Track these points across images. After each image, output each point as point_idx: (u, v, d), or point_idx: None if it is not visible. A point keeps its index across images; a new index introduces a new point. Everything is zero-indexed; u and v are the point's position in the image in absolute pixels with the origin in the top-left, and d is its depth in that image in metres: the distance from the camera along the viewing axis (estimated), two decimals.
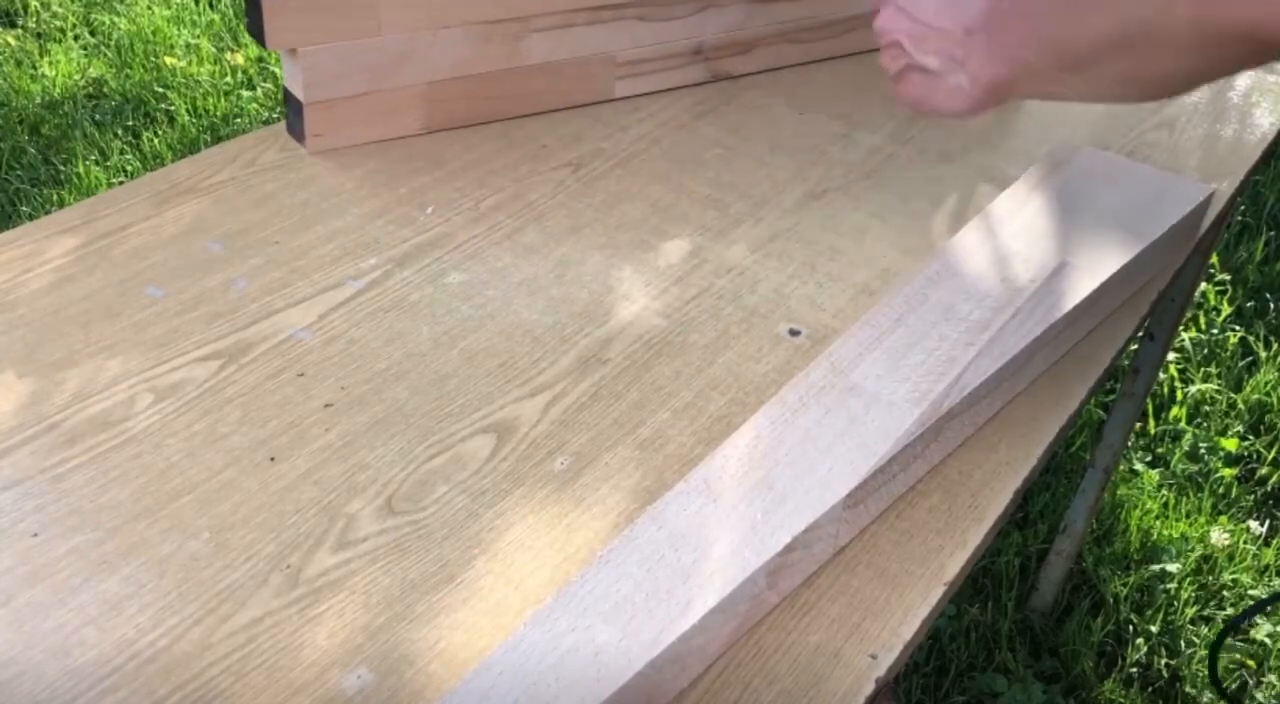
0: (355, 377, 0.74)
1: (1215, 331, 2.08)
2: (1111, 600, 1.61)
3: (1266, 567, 1.69)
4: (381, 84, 0.94)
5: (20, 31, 2.89)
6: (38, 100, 2.60)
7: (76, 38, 2.87)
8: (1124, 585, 1.63)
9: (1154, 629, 1.58)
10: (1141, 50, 0.54)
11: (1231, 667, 1.54)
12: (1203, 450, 1.86)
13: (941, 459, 0.70)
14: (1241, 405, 1.94)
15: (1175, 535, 1.71)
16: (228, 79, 2.70)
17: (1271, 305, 2.15)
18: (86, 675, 0.55)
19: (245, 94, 2.65)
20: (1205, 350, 2.04)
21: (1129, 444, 1.82)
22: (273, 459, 0.67)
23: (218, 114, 2.58)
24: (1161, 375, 1.93)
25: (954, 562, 0.64)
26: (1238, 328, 2.08)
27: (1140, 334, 1.25)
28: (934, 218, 0.92)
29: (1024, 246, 0.78)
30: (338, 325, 0.77)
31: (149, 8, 2.96)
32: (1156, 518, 1.75)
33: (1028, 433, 0.73)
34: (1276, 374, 1.99)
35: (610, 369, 0.76)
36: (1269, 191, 2.40)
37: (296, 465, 0.67)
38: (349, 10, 0.90)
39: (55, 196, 2.30)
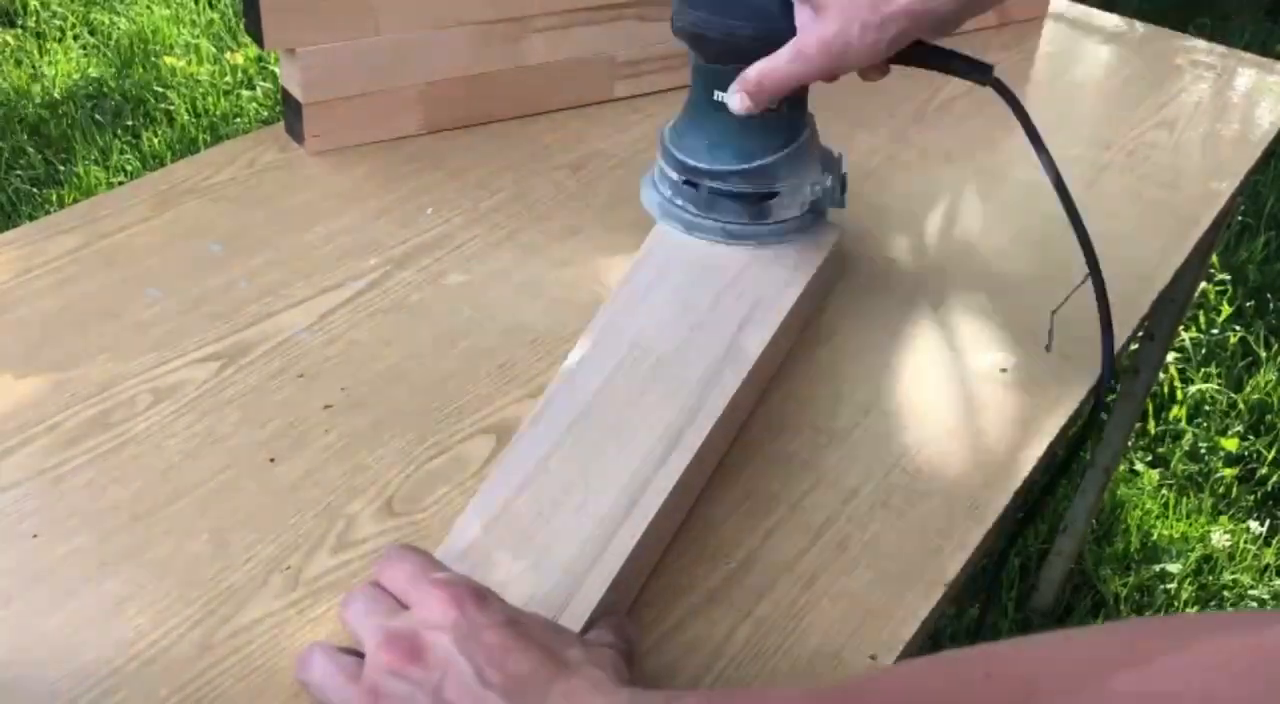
0: (355, 377, 0.73)
1: (1215, 331, 2.08)
2: (1112, 600, 1.61)
3: (1267, 567, 1.69)
4: (380, 84, 0.94)
5: (20, 31, 2.89)
6: (37, 100, 2.60)
7: (76, 37, 2.87)
8: (1124, 585, 1.63)
9: None
10: None
11: None
12: (1203, 450, 1.86)
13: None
14: (1242, 405, 1.94)
15: (1175, 535, 1.71)
16: (227, 78, 2.70)
17: (1272, 305, 2.15)
18: (87, 676, 0.55)
19: (245, 93, 2.65)
20: (1205, 350, 2.04)
21: (1129, 444, 1.82)
22: (272, 460, 0.67)
23: (217, 114, 2.58)
24: (1161, 375, 1.93)
25: (954, 562, 0.64)
26: (1238, 328, 2.08)
27: (1140, 334, 1.25)
28: (934, 218, 0.92)
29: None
30: (338, 326, 0.77)
31: (148, 7, 2.96)
32: (1157, 518, 1.75)
33: (1028, 433, 0.73)
34: (1277, 374, 1.99)
35: None
36: (1269, 192, 2.40)
37: (296, 466, 0.67)
38: (347, 10, 0.89)
39: (55, 197, 2.30)
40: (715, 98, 0.73)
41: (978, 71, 0.73)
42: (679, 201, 0.77)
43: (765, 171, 0.75)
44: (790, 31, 0.69)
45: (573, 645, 0.50)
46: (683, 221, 0.77)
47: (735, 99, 0.71)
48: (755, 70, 0.70)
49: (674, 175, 0.77)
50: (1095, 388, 0.76)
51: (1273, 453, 1.85)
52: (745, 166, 0.75)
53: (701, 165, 0.75)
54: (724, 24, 0.70)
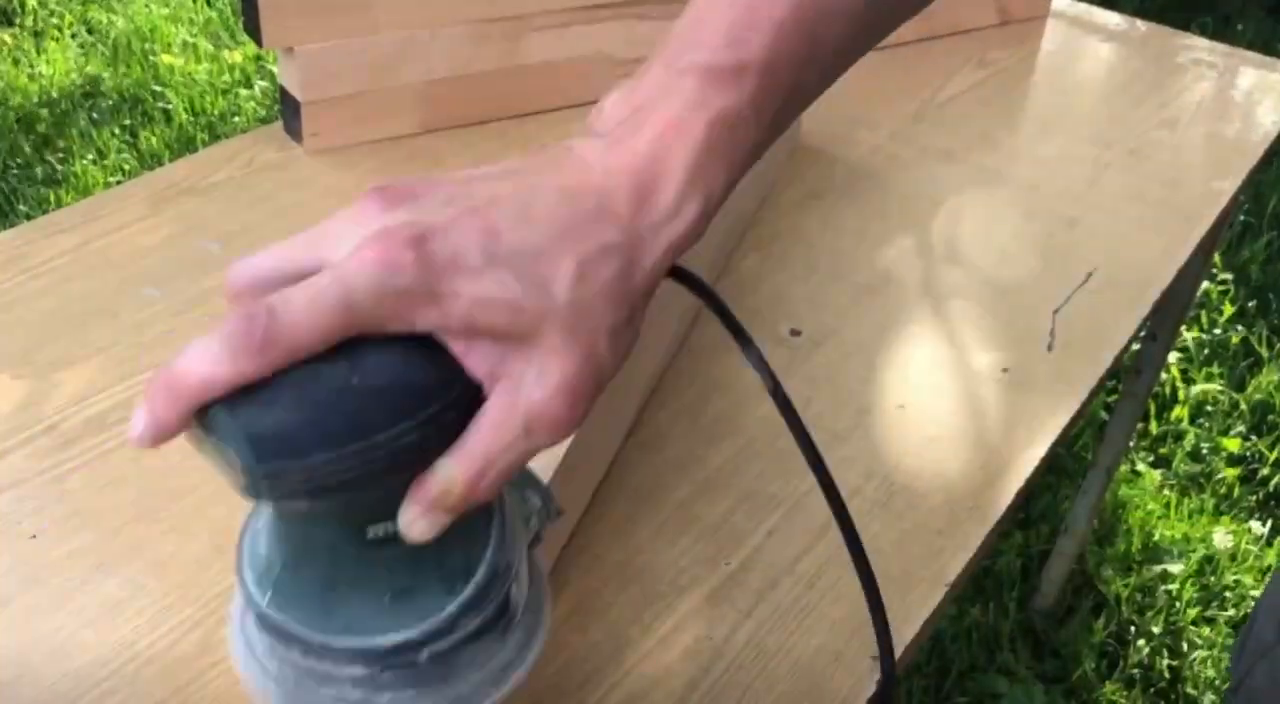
0: None
1: (1217, 331, 2.07)
2: (1113, 601, 1.61)
3: (1268, 567, 1.68)
4: (379, 83, 0.94)
5: (17, 29, 2.89)
6: (35, 98, 2.60)
7: (73, 36, 2.87)
8: (1126, 586, 1.63)
9: (1156, 630, 1.58)
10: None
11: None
12: (1205, 451, 1.86)
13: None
14: (1244, 405, 1.93)
15: (1177, 536, 1.71)
16: (225, 77, 2.70)
17: (1274, 305, 2.15)
18: (86, 677, 0.55)
19: (243, 92, 2.65)
20: (1207, 350, 2.04)
21: (1131, 444, 1.82)
22: None
23: (215, 112, 2.57)
24: (1163, 375, 1.92)
25: (955, 562, 0.64)
26: (1240, 328, 2.08)
27: (1142, 334, 1.25)
28: (935, 218, 0.92)
29: None
30: None
31: (146, 5, 2.95)
32: (1159, 518, 1.75)
33: (1030, 433, 0.73)
34: (1279, 374, 1.99)
35: None
36: (1271, 191, 2.40)
37: None
38: (345, 8, 0.89)
39: (52, 195, 2.29)
40: (372, 536, 0.42)
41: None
42: (386, 696, 0.44)
43: (495, 572, 0.44)
44: (471, 388, 0.39)
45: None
46: None
47: (424, 525, 0.40)
48: (457, 476, 0.39)
49: (359, 670, 0.43)
50: None
51: (1275, 453, 1.85)
52: (470, 591, 0.44)
53: (408, 634, 0.43)
54: (365, 451, 0.37)
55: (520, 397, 0.39)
